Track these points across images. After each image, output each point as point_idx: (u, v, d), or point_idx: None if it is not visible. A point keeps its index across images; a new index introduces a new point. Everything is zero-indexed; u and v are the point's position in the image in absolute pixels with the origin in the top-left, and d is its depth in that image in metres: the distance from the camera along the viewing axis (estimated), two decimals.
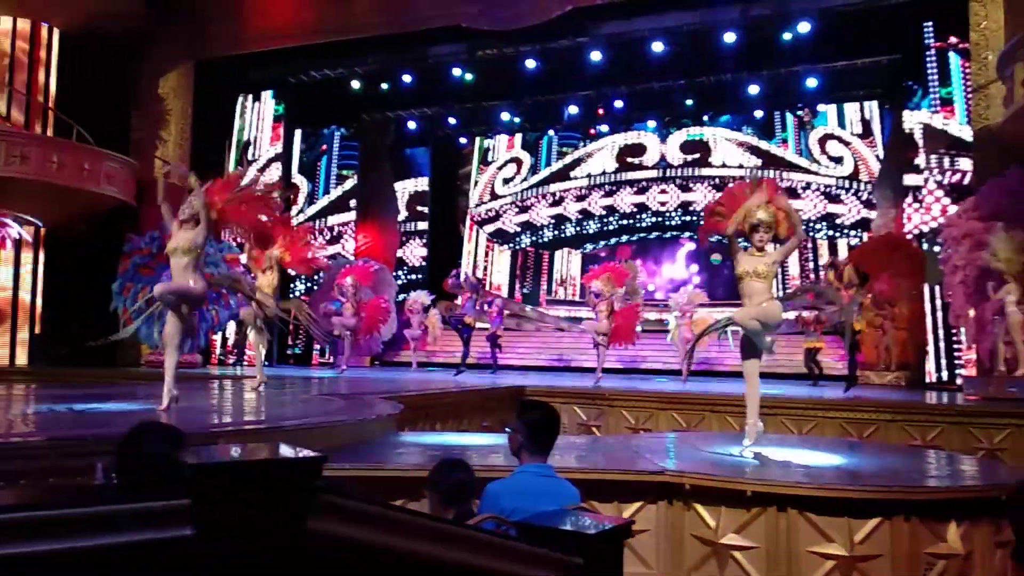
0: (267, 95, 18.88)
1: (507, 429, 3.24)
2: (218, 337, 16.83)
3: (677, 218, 20.33)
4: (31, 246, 14.75)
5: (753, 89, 17.45)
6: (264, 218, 6.45)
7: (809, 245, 18.85)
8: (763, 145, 19.79)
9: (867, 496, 4.41)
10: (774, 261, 5.50)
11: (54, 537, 1.41)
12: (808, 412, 9.14)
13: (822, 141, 19.19)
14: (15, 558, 1.38)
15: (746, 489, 4.54)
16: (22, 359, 14.47)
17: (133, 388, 9.27)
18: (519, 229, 22.12)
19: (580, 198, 21.46)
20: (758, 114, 19.41)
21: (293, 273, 14.29)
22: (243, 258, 14.35)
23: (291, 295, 10.41)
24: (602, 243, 21.34)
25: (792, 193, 18.88)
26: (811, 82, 17.01)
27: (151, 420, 2.15)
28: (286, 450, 1.77)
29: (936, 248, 13.08)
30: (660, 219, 20.57)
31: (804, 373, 13.16)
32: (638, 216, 20.85)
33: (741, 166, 19.45)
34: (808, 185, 19.04)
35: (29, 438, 4.41)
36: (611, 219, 21.17)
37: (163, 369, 5.92)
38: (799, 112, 19.37)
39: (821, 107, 19.04)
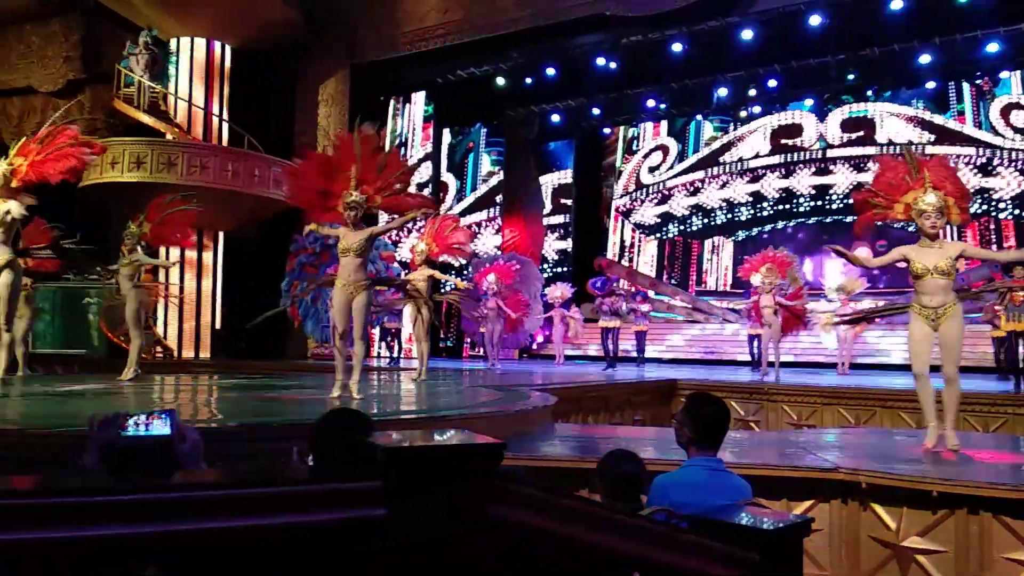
0: (418, 96, 19.53)
1: (674, 421, 3.16)
2: (376, 331, 17.61)
3: (838, 200, 19.15)
4: (211, 248, 16.05)
5: (924, 58, 16.15)
6: (400, 187, 6.56)
7: (992, 227, 17.26)
8: (936, 119, 18.29)
9: None
10: (958, 255, 5.02)
11: (258, 514, 1.50)
12: (996, 408, 8.37)
13: (1005, 112, 17.48)
14: (223, 532, 1.48)
15: (932, 489, 4.21)
16: (205, 352, 15.79)
17: (302, 379, 9.90)
18: (666, 218, 21.66)
19: (731, 183, 20.70)
20: (930, 85, 17.94)
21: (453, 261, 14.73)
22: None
23: (443, 288, 10.68)
24: (756, 230, 20.47)
25: (983, 170, 17.34)
26: (992, 47, 15.52)
27: (342, 407, 2.27)
28: (469, 437, 1.81)
29: None
30: (819, 202, 19.47)
31: (990, 366, 12.05)
32: (793, 200, 19.86)
33: (911, 143, 18.07)
34: (991, 160, 17.40)
35: (219, 423, 4.77)
36: (764, 204, 20.28)
37: (330, 361, 6.28)
38: (978, 81, 17.74)
39: (1003, 74, 17.35)
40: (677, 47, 16.50)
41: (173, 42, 15.84)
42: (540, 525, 1.77)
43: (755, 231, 20.44)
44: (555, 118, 20.74)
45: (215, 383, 9.13)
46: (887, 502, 4.37)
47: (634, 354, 15.00)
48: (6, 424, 4.42)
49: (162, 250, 13.27)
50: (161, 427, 1.96)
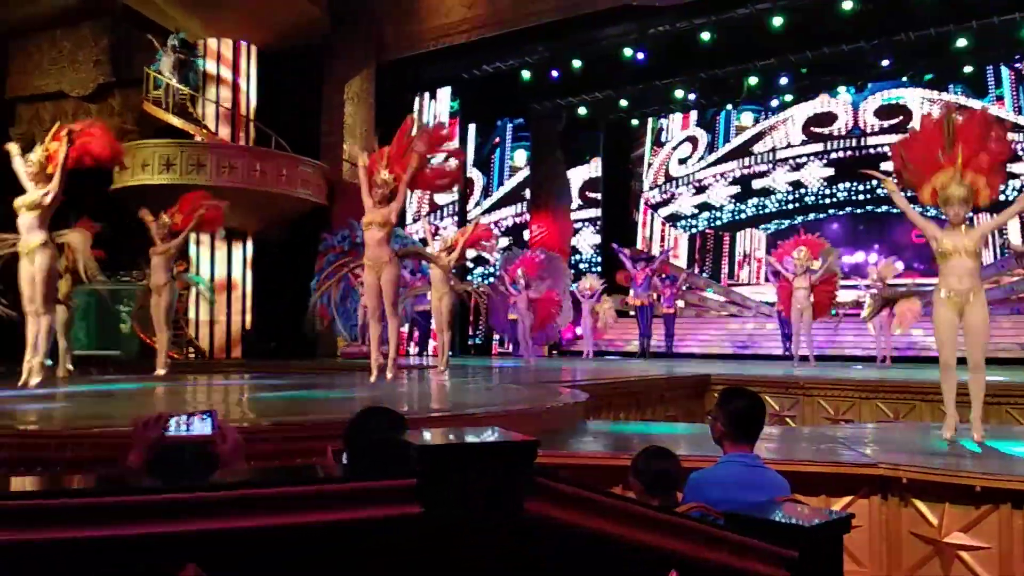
0: (443, 92, 19.53)
1: (709, 417, 3.11)
2: (405, 328, 17.68)
3: (874, 191, 18.77)
4: (241, 249, 16.22)
5: (960, 42, 15.82)
6: (441, 161, 6.61)
7: None
8: (974, 104, 17.89)
9: None
10: (983, 235, 4.96)
11: (294, 512, 1.51)
12: None
13: None
14: (260, 530, 1.48)
15: (975, 484, 4.11)
16: (236, 352, 15.96)
17: (332, 378, 9.94)
18: (696, 210, 21.46)
19: (763, 174, 20.44)
20: (967, 70, 17.56)
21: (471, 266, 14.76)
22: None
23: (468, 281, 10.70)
24: (788, 221, 20.16)
25: None
26: None
27: (375, 405, 2.27)
28: (503, 434, 1.80)
29: None
30: (855, 191, 19.13)
31: None
32: (827, 190, 19.55)
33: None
34: None
35: (251, 423, 4.79)
36: (797, 194, 20.01)
37: (359, 360, 6.33)
38: (1017, 64, 17.32)
39: None
40: (705, 36, 16.33)
41: (200, 44, 16.01)
42: (576, 522, 1.76)
43: (788, 223, 20.16)
44: (582, 111, 20.64)
45: (246, 383, 9.21)
46: (929, 497, 4.27)
47: (664, 349, 14.90)
48: (51, 425, 4.49)
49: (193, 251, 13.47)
50: (202, 427, 1.99)
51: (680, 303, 15.57)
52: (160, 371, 8.48)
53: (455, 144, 6.92)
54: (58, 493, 1.57)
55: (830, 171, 19.44)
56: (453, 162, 6.79)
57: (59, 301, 8.71)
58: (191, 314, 15.39)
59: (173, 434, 1.99)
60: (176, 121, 15.15)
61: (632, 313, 13.96)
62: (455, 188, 8.19)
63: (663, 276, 15.27)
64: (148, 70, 15.18)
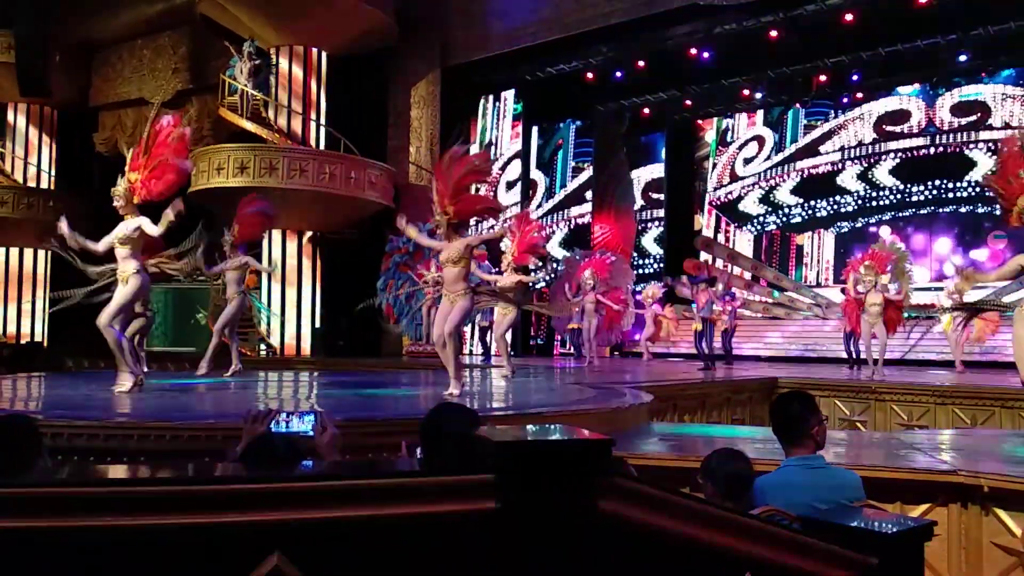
0: (507, 95, 19.61)
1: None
2: (467, 330, 17.81)
3: (956, 189, 18.05)
4: (310, 248, 16.59)
5: None
6: (480, 189, 6.59)
7: None
8: None
9: None
10: None
11: (376, 504, 1.56)
12: None
13: None
14: (341, 520, 1.53)
15: None
16: (305, 350, 16.34)
17: (398, 376, 10.11)
18: (763, 211, 21.00)
19: (832, 174, 19.87)
20: None
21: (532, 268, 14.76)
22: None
23: (532, 285, 10.71)
24: (860, 222, 19.52)
25: None
26: None
27: (450, 402, 2.31)
28: (579, 432, 1.81)
29: None
30: (932, 192, 18.43)
31: None
32: (902, 190, 18.88)
33: None
34: None
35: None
36: (870, 194, 19.37)
37: (424, 358, 6.39)
38: None
39: None
40: (774, 34, 15.99)
41: (273, 51, 16.45)
42: (651, 521, 1.75)
43: (858, 224, 19.54)
44: (646, 111, 20.44)
45: (316, 380, 9.42)
46: (1012, 507, 4.11)
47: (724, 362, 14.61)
48: (134, 418, 4.68)
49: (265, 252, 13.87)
50: (299, 424, 2.07)
51: (741, 299, 15.26)
52: (202, 369, 8.72)
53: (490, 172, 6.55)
54: (153, 481, 1.64)
55: (902, 170, 18.77)
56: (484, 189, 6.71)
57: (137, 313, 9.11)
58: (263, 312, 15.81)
59: (273, 429, 2.07)
60: (250, 126, 15.61)
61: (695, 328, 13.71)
62: (495, 216, 7.85)
63: (722, 292, 14.99)
64: (224, 77, 15.67)
